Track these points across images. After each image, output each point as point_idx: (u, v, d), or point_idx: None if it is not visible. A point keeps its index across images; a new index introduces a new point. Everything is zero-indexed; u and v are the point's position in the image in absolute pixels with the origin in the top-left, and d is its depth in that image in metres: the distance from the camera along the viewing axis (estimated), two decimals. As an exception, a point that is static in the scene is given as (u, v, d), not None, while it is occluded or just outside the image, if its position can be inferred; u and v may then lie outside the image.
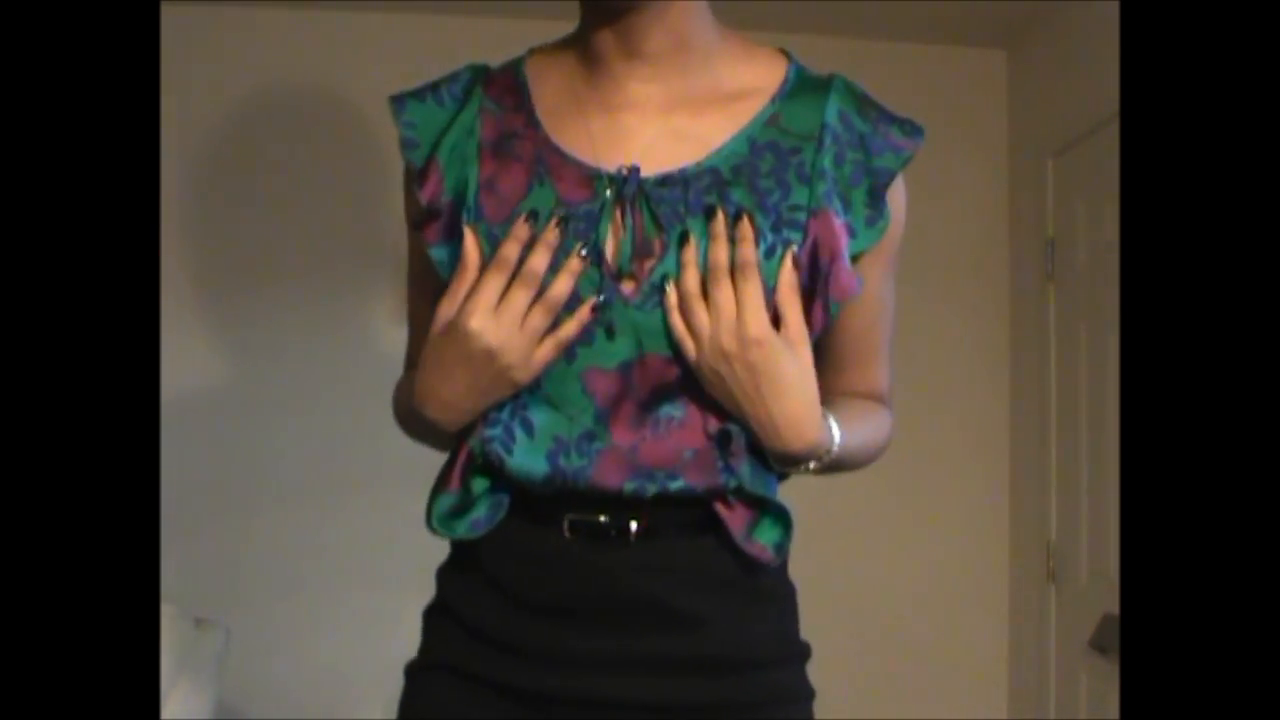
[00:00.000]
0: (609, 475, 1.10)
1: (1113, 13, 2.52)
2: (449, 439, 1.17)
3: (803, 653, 1.21)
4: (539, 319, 1.07)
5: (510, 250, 1.07)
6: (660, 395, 1.11)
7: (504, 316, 1.06)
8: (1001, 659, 3.30)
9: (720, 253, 1.07)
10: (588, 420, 1.11)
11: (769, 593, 1.18)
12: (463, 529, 1.14)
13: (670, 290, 1.08)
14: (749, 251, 1.07)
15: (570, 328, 1.08)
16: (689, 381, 1.10)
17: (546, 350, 1.08)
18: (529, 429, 1.12)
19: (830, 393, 1.19)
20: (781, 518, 1.14)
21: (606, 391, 1.11)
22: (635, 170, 1.10)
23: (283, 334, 3.04)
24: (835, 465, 1.15)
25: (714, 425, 1.11)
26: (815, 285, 1.11)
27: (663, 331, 1.09)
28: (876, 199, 1.13)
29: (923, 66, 3.25)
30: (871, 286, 1.17)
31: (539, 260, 1.07)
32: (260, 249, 3.05)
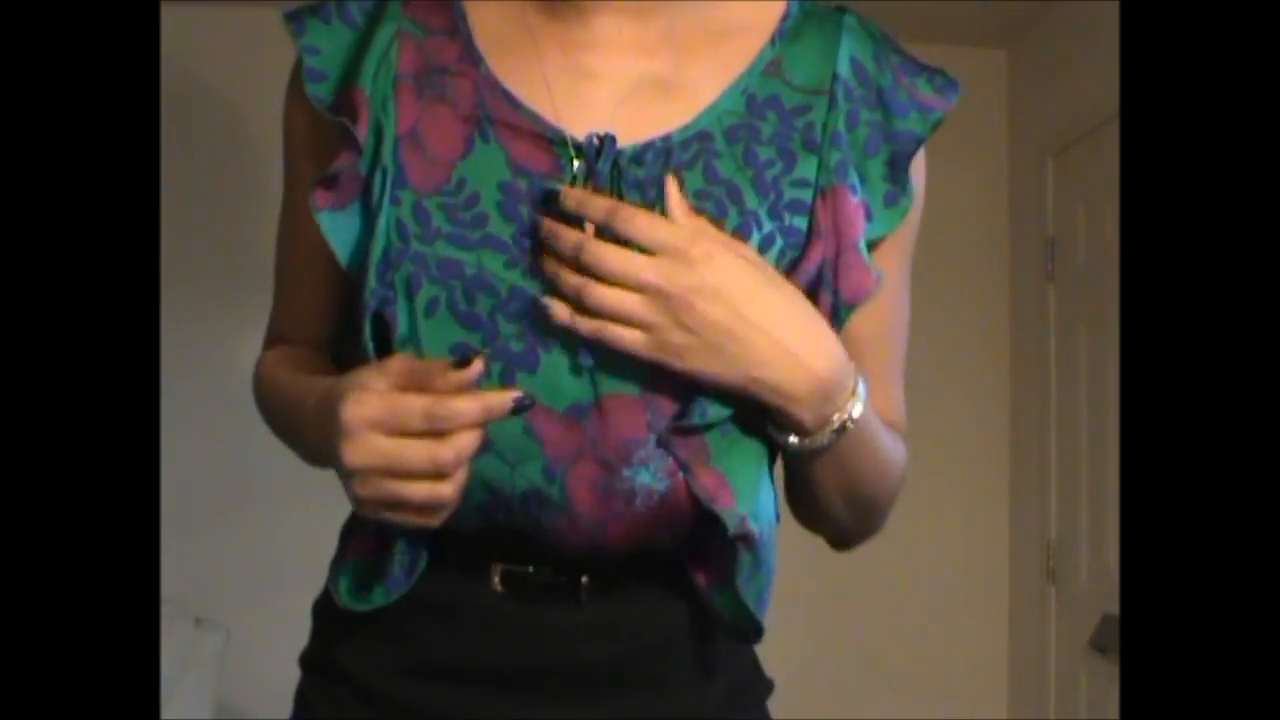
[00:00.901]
0: (561, 539, 0.87)
1: (1113, 13, 2.52)
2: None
3: (764, 690, 1.02)
4: (417, 448, 0.78)
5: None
6: (631, 455, 0.85)
7: (393, 422, 0.78)
8: (1001, 659, 3.30)
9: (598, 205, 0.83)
10: (534, 474, 0.85)
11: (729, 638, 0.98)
12: (379, 598, 0.89)
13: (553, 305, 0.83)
14: (601, 203, 0.83)
15: (466, 440, 0.78)
16: (674, 440, 0.86)
17: (399, 489, 0.79)
18: None
19: None
20: (744, 619, 0.91)
21: (558, 442, 0.85)
22: (610, 141, 0.86)
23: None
24: (858, 445, 0.89)
25: (701, 488, 0.86)
26: (821, 282, 0.89)
27: (629, 362, 0.84)
28: (898, 172, 0.91)
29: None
30: (888, 284, 0.92)
31: (461, 408, 0.77)
32: (261, 248, 3.05)
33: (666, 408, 0.86)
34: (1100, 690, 2.84)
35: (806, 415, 0.85)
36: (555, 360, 0.85)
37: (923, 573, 3.25)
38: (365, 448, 0.77)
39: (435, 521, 0.80)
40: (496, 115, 0.88)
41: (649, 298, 0.81)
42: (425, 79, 0.89)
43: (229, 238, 3.08)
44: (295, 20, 0.92)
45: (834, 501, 0.94)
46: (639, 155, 0.87)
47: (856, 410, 0.87)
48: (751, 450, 0.90)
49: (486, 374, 0.82)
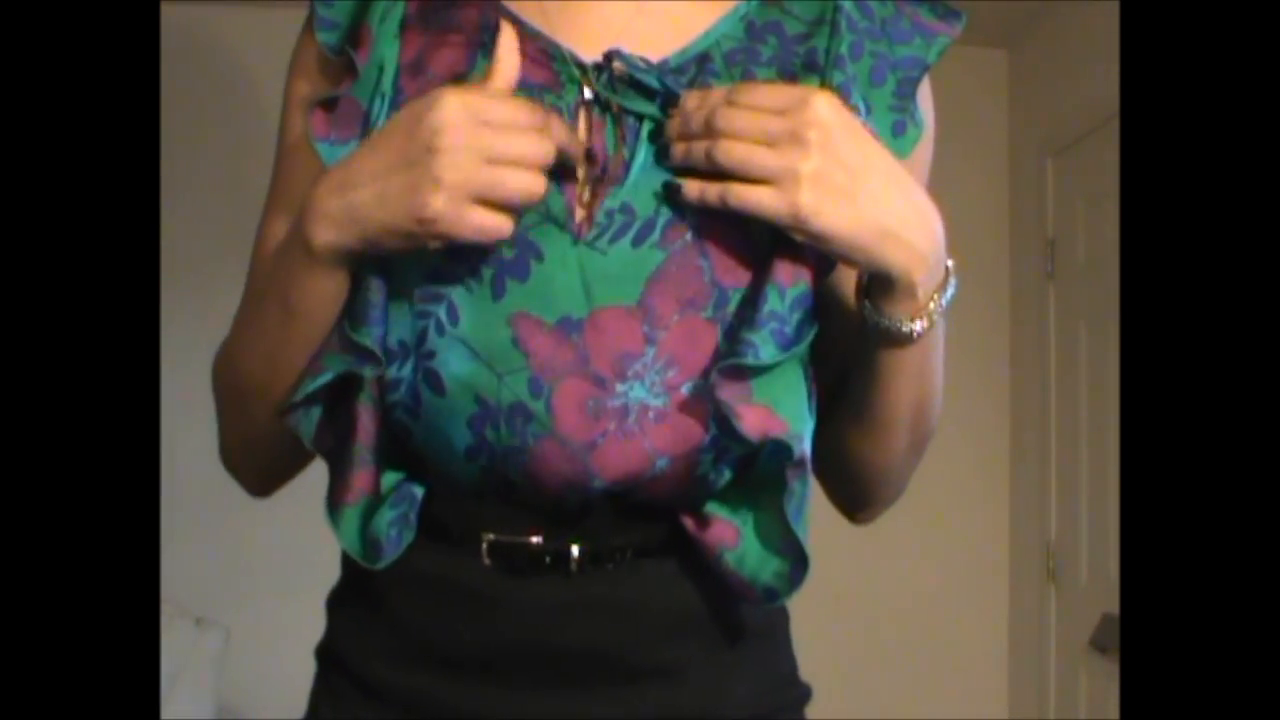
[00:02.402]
0: (547, 474, 0.82)
1: (1113, 13, 2.52)
2: (263, 422, 0.90)
3: (801, 699, 0.96)
4: (516, 170, 0.77)
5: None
6: (625, 370, 0.81)
7: (483, 130, 0.76)
8: (1001, 659, 3.30)
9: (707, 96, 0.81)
10: (520, 388, 0.81)
11: (753, 628, 0.92)
12: (368, 554, 0.86)
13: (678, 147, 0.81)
14: (717, 93, 0.81)
15: (505, 222, 0.77)
16: (669, 350, 0.82)
17: (478, 222, 0.77)
18: (437, 383, 0.82)
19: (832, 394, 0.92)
20: (784, 557, 0.84)
21: (546, 355, 0.81)
22: (612, 58, 0.85)
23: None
24: (937, 345, 0.87)
25: (749, 427, 0.80)
26: None
27: (624, 275, 0.81)
28: (904, 99, 0.89)
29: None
30: None
31: (556, 119, 0.80)
32: (260, 249, 3.06)
33: (666, 318, 0.82)
34: (1100, 690, 2.84)
35: (922, 283, 0.82)
36: (547, 271, 0.82)
37: (923, 573, 3.25)
38: (468, 134, 0.75)
39: (441, 209, 0.76)
40: (499, 31, 0.85)
41: (779, 150, 0.78)
42: (431, 15, 0.89)
43: (230, 237, 3.08)
44: None
45: (899, 424, 0.90)
46: (633, 79, 0.85)
47: (951, 290, 0.85)
48: (795, 378, 0.84)
49: (477, 277, 0.81)
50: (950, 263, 0.85)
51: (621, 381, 0.81)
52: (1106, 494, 2.82)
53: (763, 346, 0.80)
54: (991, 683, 3.29)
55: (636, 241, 0.82)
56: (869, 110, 0.87)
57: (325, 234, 0.81)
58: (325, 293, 0.84)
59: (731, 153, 0.78)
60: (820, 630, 3.36)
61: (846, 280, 0.89)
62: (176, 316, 2.98)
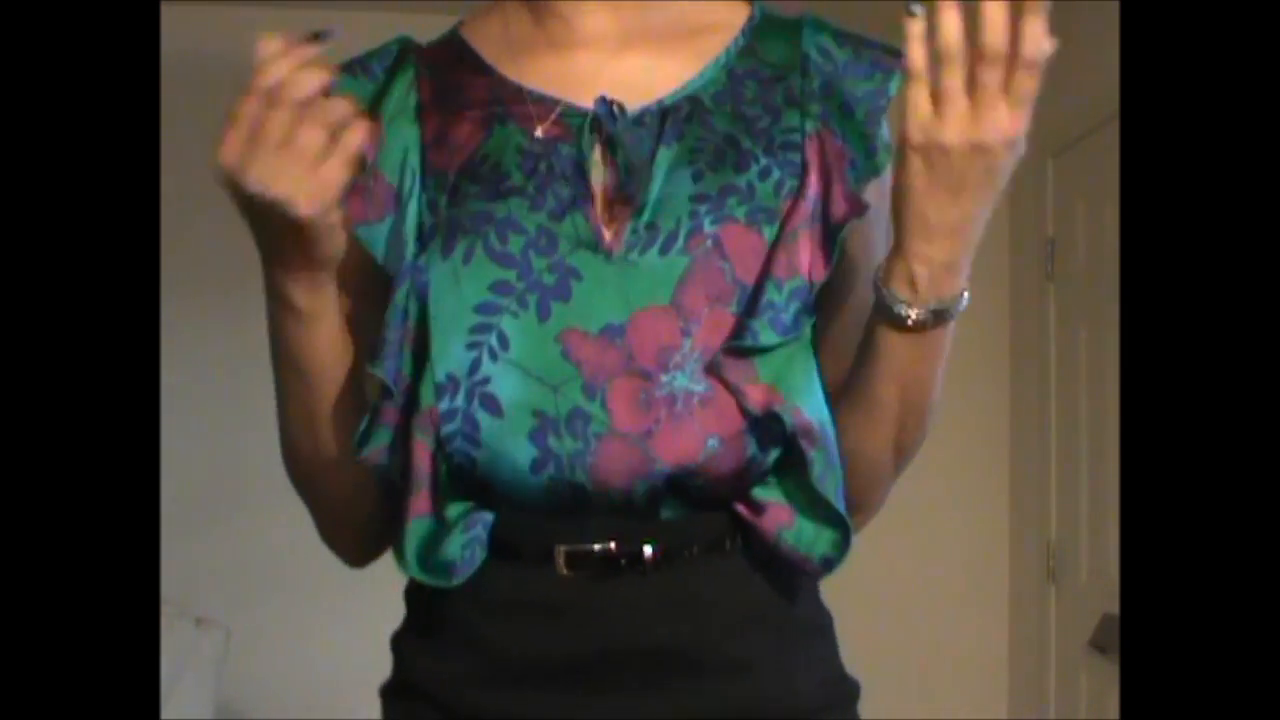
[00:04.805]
0: (615, 472, 0.89)
1: (1113, 13, 2.52)
2: (338, 478, 0.97)
3: (853, 693, 1.05)
4: (324, 160, 0.84)
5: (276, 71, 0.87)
6: (667, 361, 0.90)
7: (261, 141, 0.85)
8: (1001, 659, 3.30)
9: (995, 31, 0.87)
10: (575, 394, 0.89)
11: (812, 625, 1.00)
12: (440, 576, 0.91)
13: (917, 33, 0.86)
14: (1037, 34, 0.89)
15: (352, 137, 0.84)
16: (704, 341, 0.91)
17: (333, 167, 0.84)
18: (494, 407, 0.89)
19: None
20: (833, 526, 0.93)
21: (595, 362, 0.89)
22: (618, 105, 0.95)
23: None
24: (946, 341, 0.94)
25: (752, 403, 0.90)
26: (815, 213, 0.95)
27: (656, 281, 0.91)
28: (873, 126, 0.98)
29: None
30: (877, 238, 0.99)
31: (305, 78, 0.85)
32: (260, 249, 3.05)
33: (697, 317, 0.91)
34: (1100, 690, 2.84)
35: (960, 279, 0.91)
36: (586, 288, 0.91)
37: (923, 573, 3.25)
38: (229, 143, 0.85)
39: (307, 209, 0.84)
40: (510, 104, 0.97)
41: (973, 125, 0.86)
42: (444, 98, 0.99)
43: (230, 238, 3.08)
44: None
45: (886, 408, 0.96)
46: (639, 118, 0.96)
47: (962, 304, 0.93)
48: (799, 362, 0.93)
49: (523, 304, 0.91)
50: (965, 292, 0.92)
51: (665, 373, 0.89)
52: (1106, 494, 2.82)
53: (761, 332, 0.90)
54: (991, 683, 3.28)
55: (663, 251, 0.92)
56: (843, 137, 0.97)
57: (292, 288, 0.91)
58: (325, 342, 0.94)
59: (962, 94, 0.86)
60: (820, 630, 3.37)
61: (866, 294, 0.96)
62: (177, 317, 2.99)
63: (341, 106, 0.85)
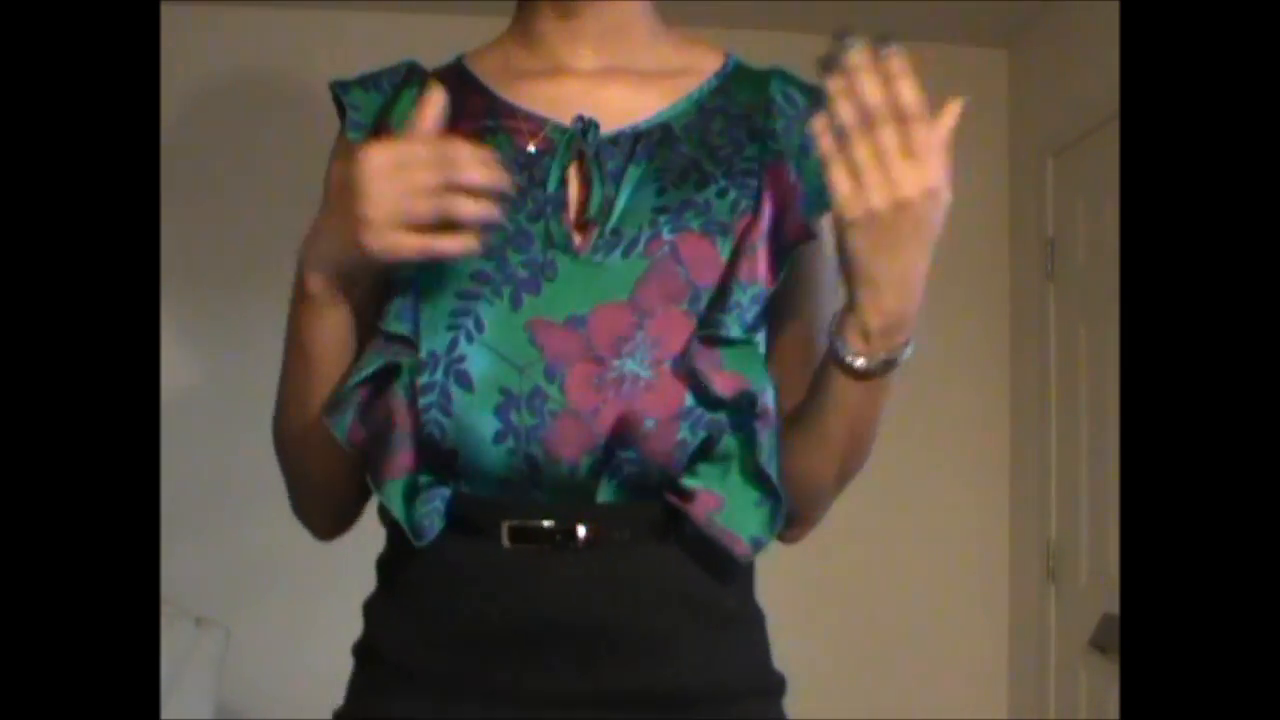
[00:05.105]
0: (565, 444, 0.99)
1: (1113, 13, 2.52)
2: (318, 450, 1.06)
3: (779, 684, 1.11)
4: (423, 196, 0.95)
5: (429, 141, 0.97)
6: (620, 348, 1.01)
7: (398, 171, 0.95)
8: (1001, 659, 3.30)
9: (875, 90, 0.94)
10: (538, 376, 1.00)
11: (739, 616, 1.08)
12: (414, 533, 1.01)
13: (822, 125, 0.95)
14: (911, 91, 0.95)
15: (450, 242, 0.96)
16: (655, 334, 1.01)
17: (411, 244, 0.96)
18: (467, 382, 1.00)
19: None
20: (764, 505, 1.02)
21: (557, 348, 1.00)
22: (594, 124, 1.07)
23: (284, 333, 3.04)
24: (888, 387, 1.03)
25: (720, 388, 1.00)
26: (768, 235, 1.06)
27: (618, 280, 1.02)
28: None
29: (923, 66, 3.25)
30: (827, 272, 1.10)
31: (459, 148, 0.96)
32: (261, 247, 3.05)
33: (651, 313, 1.02)
34: (1100, 690, 2.84)
35: (907, 330, 1.01)
36: (556, 284, 1.02)
37: (923, 573, 3.25)
38: (385, 178, 0.94)
39: (375, 246, 0.95)
40: (504, 119, 1.09)
41: (889, 182, 0.94)
42: (444, 111, 1.04)
43: (230, 236, 3.08)
44: (342, 87, 1.14)
45: (834, 442, 1.06)
46: (614, 139, 1.07)
47: (911, 347, 1.02)
48: (757, 358, 1.05)
49: (498, 294, 1.02)
50: (911, 342, 1.02)
51: (617, 358, 1.00)
52: (1106, 494, 2.82)
53: (731, 326, 1.02)
54: (991, 683, 3.28)
55: (625, 254, 1.03)
56: (800, 173, 1.07)
57: (314, 280, 1.02)
58: (331, 331, 1.04)
59: (860, 163, 0.94)
60: (820, 630, 3.36)
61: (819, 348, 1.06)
62: (177, 316, 2.98)
63: (479, 171, 0.96)
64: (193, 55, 3.04)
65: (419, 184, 0.94)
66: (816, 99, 1.07)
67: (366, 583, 1.22)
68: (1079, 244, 3.01)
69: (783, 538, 1.12)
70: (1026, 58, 3.27)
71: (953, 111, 0.97)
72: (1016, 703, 3.26)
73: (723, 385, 1.01)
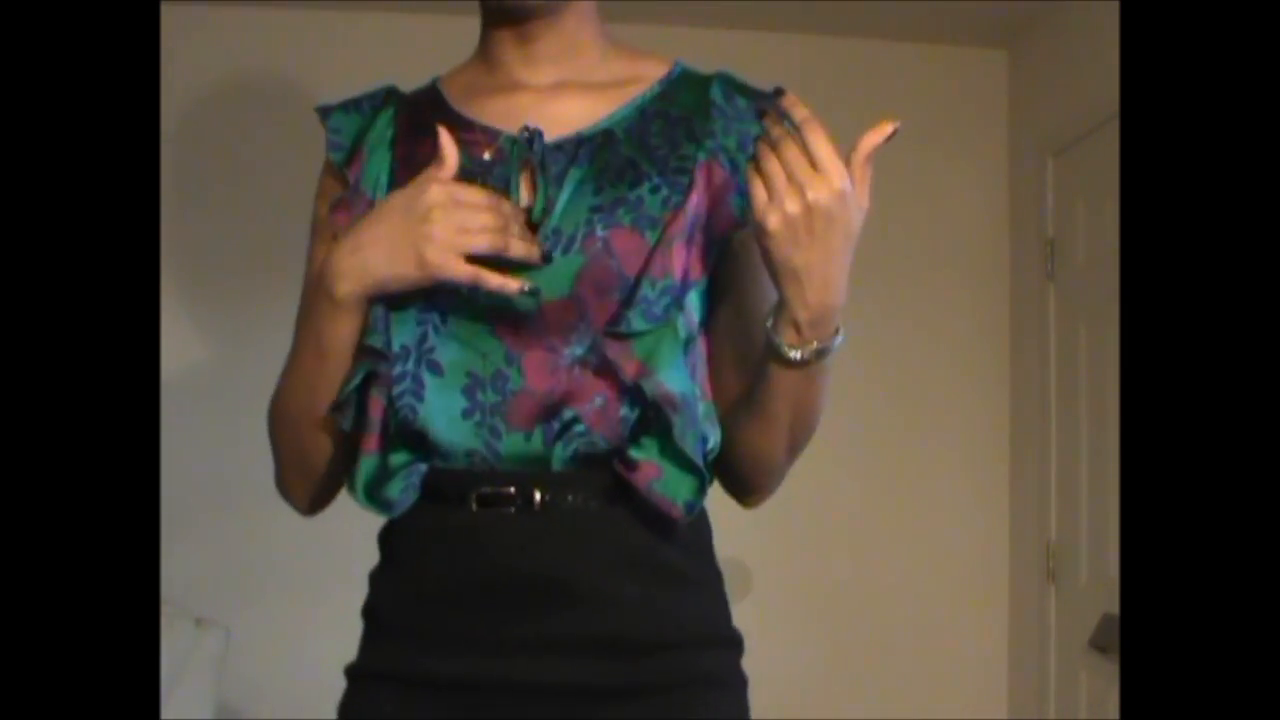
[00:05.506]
0: (523, 417, 1.13)
1: (1113, 13, 2.52)
2: (308, 436, 1.19)
3: (731, 639, 1.22)
4: (484, 233, 1.10)
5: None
6: (569, 337, 1.14)
7: (460, 207, 1.11)
8: (1001, 659, 3.30)
9: (776, 128, 1.07)
10: (499, 360, 1.14)
11: (687, 575, 1.19)
12: (383, 509, 1.16)
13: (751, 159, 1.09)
14: (805, 111, 1.06)
15: (493, 278, 1.10)
16: (597, 323, 1.13)
17: (465, 268, 1.10)
18: (437, 369, 1.15)
19: (724, 398, 1.20)
20: (692, 475, 1.14)
21: (514, 336, 1.14)
22: (538, 133, 1.17)
23: (284, 333, 3.04)
24: (827, 370, 1.14)
25: (626, 375, 1.12)
26: (698, 225, 1.16)
27: (561, 275, 1.13)
28: None
29: (923, 66, 3.25)
30: (760, 269, 1.17)
31: (507, 207, 1.13)
32: (261, 247, 3.05)
33: (591, 304, 1.14)
34: (1100, 690, 2.84)
35: (806, 324, 1.10)
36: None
37: (923, 573, 3.24)
38: (449, 210, 1.10)
39: (435, 261, 1.10)
40: (463, 133, 1.19)
41: (799, 189, 1.04)
42: (414, 126, 1.23)
43: (229, 236, 3.08)
44: (325, 112, 1.27)
45: (780, 419, 1.17)
46: (559, 145, 1.18)
47: (840, 335, 1.12)
48: (668, 348, 1.14)
49: (459, 290, 1.12)
50: (840, 328, 1.11)
51: (567, 346, 1.14)
52: (1106, 494, 2.82)
53: (635, 320, 1.13)
54: (991, 683, 3.28)
55: (565, 250, 1.14)
56: (736, 169, 1.17)
57: (345, 286, 1.13)
58: (347, 331, 1.15)
59: (771, 177, 1.06)
60: (820, 629, 3.36)
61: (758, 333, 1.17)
62: (177, 316, 2.98)
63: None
64: (193, 55, 3.04)
65: (480, 222, 1.10)
66: (755, 100, 1.20)
67: (365, 583, 1.22)
68: (1079, 244, 3.01)
69: (743, 503, 1.27)
70: (1026, 58, 3.27)
71: (882, 131, 1.07)
72: (1016, 703, 3.26)
73: (629, 372, 1.13)
